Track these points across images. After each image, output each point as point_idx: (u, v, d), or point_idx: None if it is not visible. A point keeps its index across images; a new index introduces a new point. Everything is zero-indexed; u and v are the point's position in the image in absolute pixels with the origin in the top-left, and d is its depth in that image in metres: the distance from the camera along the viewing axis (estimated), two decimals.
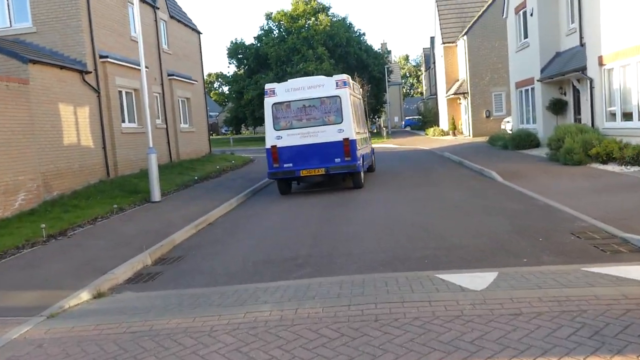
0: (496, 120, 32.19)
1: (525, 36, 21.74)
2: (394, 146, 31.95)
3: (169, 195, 14.07)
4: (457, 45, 35.07)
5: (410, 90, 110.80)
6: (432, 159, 21.18)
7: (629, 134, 13.74)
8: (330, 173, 12.92)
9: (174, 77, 22.36)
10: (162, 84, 21.38)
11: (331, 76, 13.62)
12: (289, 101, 12.87)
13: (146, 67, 14.12)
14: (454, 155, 20.44)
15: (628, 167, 12.49)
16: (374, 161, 17.33)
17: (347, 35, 46.72)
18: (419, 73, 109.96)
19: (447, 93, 35.59)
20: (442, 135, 35.89)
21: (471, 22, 32.49)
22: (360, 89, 22.03)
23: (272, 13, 49.40)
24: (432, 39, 49.16)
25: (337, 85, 12.87)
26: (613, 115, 14.92)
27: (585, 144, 14.03)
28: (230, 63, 51.21)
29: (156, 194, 13.14)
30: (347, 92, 12.98)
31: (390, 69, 50.67)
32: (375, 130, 53.59)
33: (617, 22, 14.08)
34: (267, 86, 13.34)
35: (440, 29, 35.78)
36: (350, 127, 12.82)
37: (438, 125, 39.54)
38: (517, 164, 15.78)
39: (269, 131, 13.00)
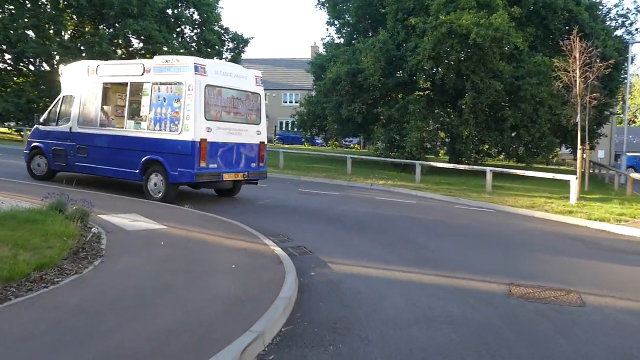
0: None
1: None
2: None
3: None
4: None
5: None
6: None
7: None
8: (248, 179, 11.14)
9: None
10: None
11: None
12: (222, 87, 10.50)
13: None
14: None
15: None
16: None
17: None
18: None
19: None
20: None
21: None
22: None
23: None
24: None
25: (256, 82, 11.36)
26: None
27: None
28: (329, 24, 29.65)
29: None
30: (263, 91, 11.59)
31: (632, 42, 24.70)
32: (588, 170, 27.04)
33: None
34: (197, 60, 10.12)
35: None
36: (265, 130, 11.50)
37: None
38: None
39: (197, 119, 9.94)
